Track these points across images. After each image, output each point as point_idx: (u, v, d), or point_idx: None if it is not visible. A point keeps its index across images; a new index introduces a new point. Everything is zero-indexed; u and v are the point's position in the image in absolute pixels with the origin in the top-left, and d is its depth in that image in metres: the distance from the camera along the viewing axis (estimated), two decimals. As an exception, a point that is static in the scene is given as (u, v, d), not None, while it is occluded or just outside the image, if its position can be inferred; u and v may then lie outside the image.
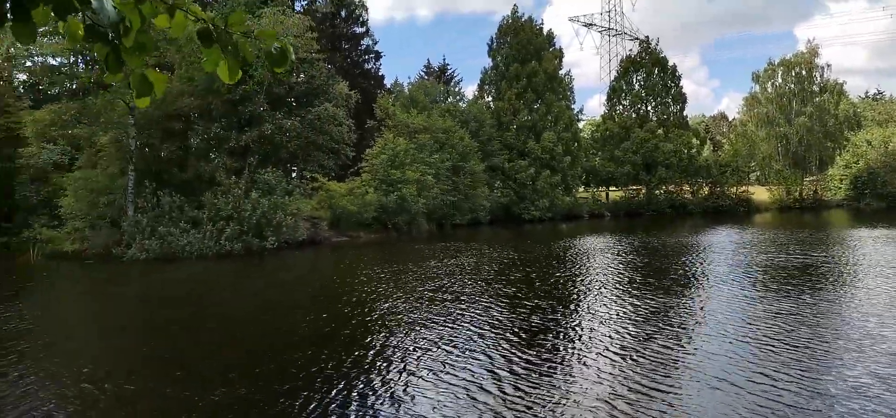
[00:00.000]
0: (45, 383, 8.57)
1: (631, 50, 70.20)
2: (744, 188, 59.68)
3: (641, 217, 53.04)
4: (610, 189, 60.96)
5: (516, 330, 10.91)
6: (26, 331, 12.14)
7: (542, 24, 55.89)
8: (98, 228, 27.17)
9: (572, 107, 55.86)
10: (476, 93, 56.52)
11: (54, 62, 29.53)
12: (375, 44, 53.25)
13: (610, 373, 8.34)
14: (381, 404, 7.47)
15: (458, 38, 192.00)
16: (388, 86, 53.09)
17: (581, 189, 59.84)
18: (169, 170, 29.64)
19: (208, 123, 30.62)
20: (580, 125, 61.29)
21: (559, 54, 54.77)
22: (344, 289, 16.42)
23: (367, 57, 52.51)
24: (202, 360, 9.82)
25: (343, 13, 50.14)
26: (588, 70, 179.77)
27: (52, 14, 2.07)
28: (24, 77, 36.58)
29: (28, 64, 32.54)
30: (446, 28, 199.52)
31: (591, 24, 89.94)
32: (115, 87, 26.29)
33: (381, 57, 53.48)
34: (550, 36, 55.07)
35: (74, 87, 29.61)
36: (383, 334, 10.93)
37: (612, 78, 64.44)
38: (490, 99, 54.74)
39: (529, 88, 51.16)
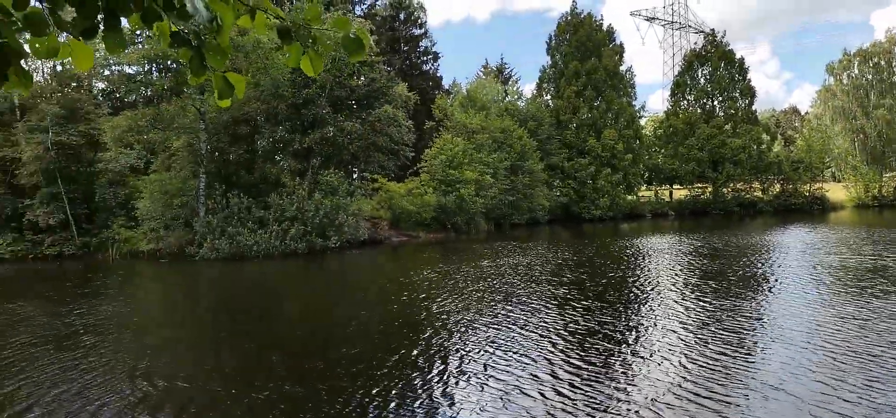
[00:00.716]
0: (106, 377, 8.97)
1: (695, 43, 68.11)
2: (818, 185, 56.85)
3: (707, 216, 51.30)
4: (674, 187, 59.23)
5: (565, 332, 10.75)
6: (98, 327, 12.81)
7: (602, 19, 55.04)
8: (172, 229, 28.46)
9: (634, 103, 54.66)
10: (534, 91, 56.17)
11: (130, 71, 31.15)
12: (433, 45, 53.75)
13: (660, 379, 8.08)
14: (423, 405, 7.50)
15: (515, 36, 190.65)
16: (446, 86, 53.41)
17: (643, 187, 58.50)
18: (237, 173, 30.76)
19: (274, 127, 31.58)
20: (642, 122, 59.84)
21: (620, 50, 53.71)
22: (400, 289, 16.57)
23: (425, 58, 52.96)
24: (258, 356, 10.11)
25: (402, 16, 50.77)
26: (650, 65, 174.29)
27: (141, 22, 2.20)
28: (103, 85, 38.77)
29: (106, 73, 34.43)
30: (503, 27, 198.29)
31: (653, 19, 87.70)
32: (187, 93, 27.53)
33: (439, 58, 53.89)
34: (610, 32, 54.12)
35: (149, 93, 31.11)
36: (433, 334, 10.97)
37: (676, 73, 62.62)
38: (549, 97, 54.25)
39: (589, 85, 50.41)
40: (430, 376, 8.60)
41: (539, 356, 9.38)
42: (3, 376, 9.32)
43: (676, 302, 13.30)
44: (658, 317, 11.82)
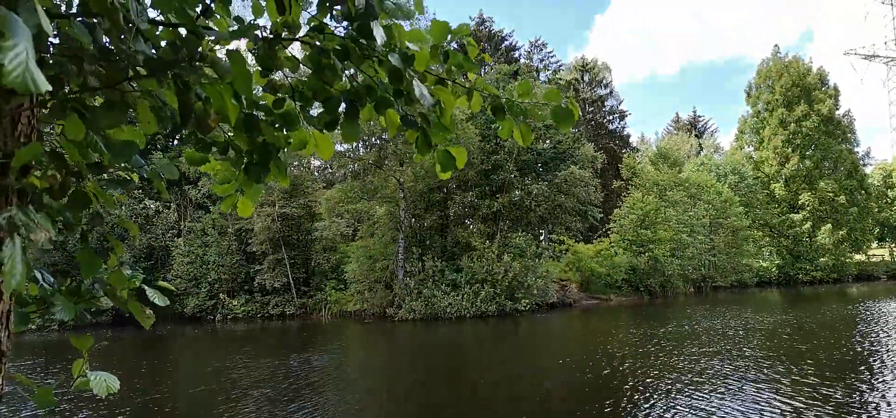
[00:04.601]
0: (333, 412, 9.81)
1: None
2: None
3: (964, 278, 42.74)
4: (914, 244, 50.58)
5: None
6: (300, 378, 14.08)
7: (811, 61, 50.03)
8: (374, 291, 30.74)
9: (855, 150, 48.35)
10: (734, 143, 52.28)
11: (341, 148, 34.86)
12: (619, 104, 52.83)
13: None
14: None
15: (707, 87, 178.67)
16: (634, 144, 51.92)
17: (873, 245, 50.75)
18: (431, 237, 32.52)
19: (464, 193, 33.06)
20: (867, 170, 52.53)
21: (834, 93, 48.14)
22: (586, 355, 15.89)
23: (611, 117, 52.26)
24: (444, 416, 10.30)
25: (586, 78, 50.89)
26: (873, 108, 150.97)
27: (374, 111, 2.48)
28: (318, 162, 43.80)
29: (321, 152, 38.91)
30: (693, 79, 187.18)
31: (873, 56, 77.62)
32: (388, 166, 29.99)
33: (626, 116, 52.74)
34: (822, 74, 48.85)
35: (356, 168, 34.46)
36: (627, 410, 10.21)
37: (908, 112, 54.32)
38: (751, 148, 50.12)
39: (799, 133, 45.69)
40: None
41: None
42: (221, 405, 10.64)
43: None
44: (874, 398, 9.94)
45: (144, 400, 12.40)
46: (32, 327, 31.45)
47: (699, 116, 57.59)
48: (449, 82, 2.46)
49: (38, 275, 2.15)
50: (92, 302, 2.28)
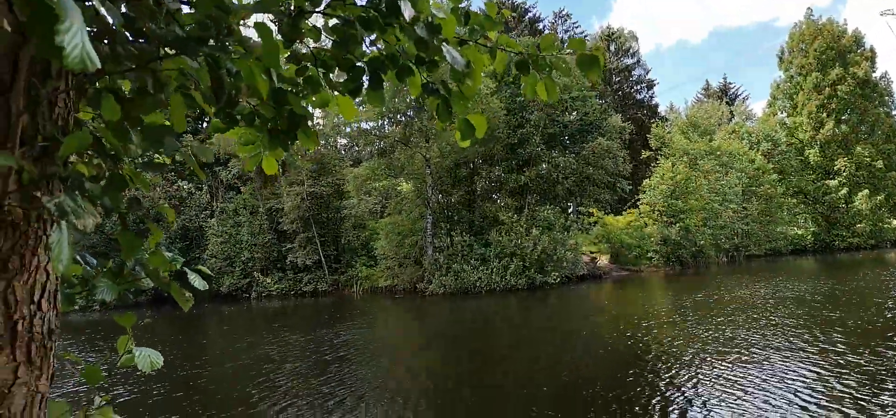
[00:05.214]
0: (361, 384, 9.96)
1: (978, 34, 56.32)
2: None
3: None
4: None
5: (829, 394, 9.23)
6: (330, 352, 14.29)
7: (845, 23, 48.28)
8: (404, 266, 30.99)
9: (893, 113, 46.78)
10: (766, 109, 51.00)
11: (367, 126, 35.00)
12: (647, 73, 51.83)
13: None
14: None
15: (738, 52, 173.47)
16: (663, 113, 51.02)
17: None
18: (459, 212, 32.56)
19: (491, 167, 32.96)
20: (907, 133, 50.85)
21: (871, 55, 46.50)
22: (618, 327, 15.75)
23: (638, 87, 51.36)
24: (471, 390, 10.38)
25: (612, 47, 49.99)
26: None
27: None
28: (344, 141, 44.00)
29: (347, 130, 39.07)
30: (723, 44, 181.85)
31: (914, 13, 74.52)
32: (414, 143, 30.00)
33: (654, 85, 51.74)
34: (857, 36, 47.16)
35: (382, 145, 34.57)
36: (653, 387, 10.09)
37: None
38: (784, 114, 48.86)
39: (834, 97, 44.34)
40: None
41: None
42: (253, 380, 10.88)
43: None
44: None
45: (182, 374, 12.78)
46: (76, 308, 32.48)
47: (730, 83, 56.26)
48: (471, 43, 2.45)
49: (79, 258, 2.21)
50: (133, 283, 2.34)
